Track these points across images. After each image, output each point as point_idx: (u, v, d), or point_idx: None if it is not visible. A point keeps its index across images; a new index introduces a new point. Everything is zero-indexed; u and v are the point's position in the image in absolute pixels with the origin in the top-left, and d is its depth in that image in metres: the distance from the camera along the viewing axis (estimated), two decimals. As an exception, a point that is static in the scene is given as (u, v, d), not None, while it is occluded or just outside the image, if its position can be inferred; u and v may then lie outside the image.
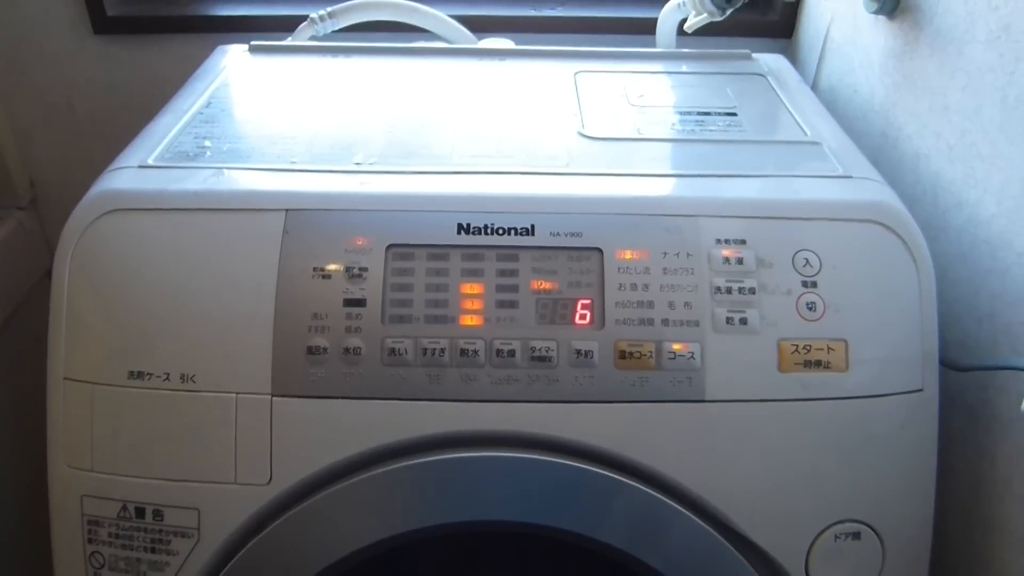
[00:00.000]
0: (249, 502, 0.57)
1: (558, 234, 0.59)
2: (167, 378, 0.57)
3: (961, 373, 0.64)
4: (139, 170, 0.62)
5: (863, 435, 0.58)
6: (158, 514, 0.58)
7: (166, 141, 0.66)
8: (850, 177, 0.64)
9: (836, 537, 0.59)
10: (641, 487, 0.58)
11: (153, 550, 0.58)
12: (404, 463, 0.57)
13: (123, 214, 0.59)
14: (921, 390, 0.59)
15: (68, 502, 0.59)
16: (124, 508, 0.58)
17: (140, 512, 0.58)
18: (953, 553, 0.68)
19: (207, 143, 0.66)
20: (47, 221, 1.09)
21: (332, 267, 0.57)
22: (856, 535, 0.59)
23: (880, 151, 0.79)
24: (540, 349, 0.57)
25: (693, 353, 0.57)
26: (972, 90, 0.66)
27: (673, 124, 0.72)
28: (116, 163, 0.64)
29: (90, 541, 0.59)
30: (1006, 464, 0.61)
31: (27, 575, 0.94)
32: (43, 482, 0.60)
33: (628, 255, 0.58)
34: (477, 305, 0.58)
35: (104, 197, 0.60)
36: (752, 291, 0.58)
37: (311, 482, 0.57)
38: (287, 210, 0.59)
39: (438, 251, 0.58)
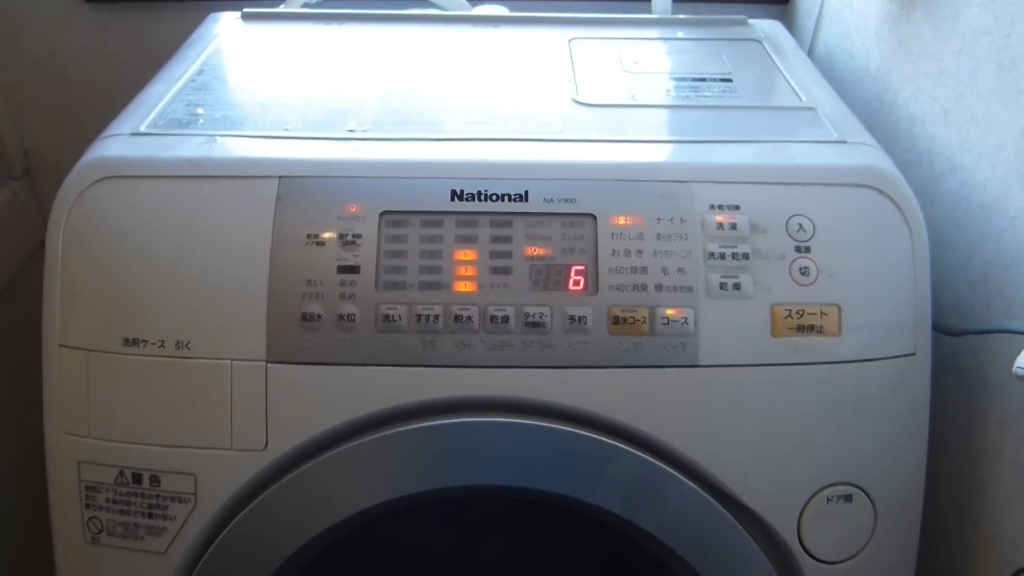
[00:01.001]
0: (245, 468, 0.57)
1: (552, 200, 0.59)
2: (162, 345, 0.57)
3: (954, 337, 0.64)
4: (131, 137, 0.62)
5: (856, 399, 0.59)
6: (155, 480, 0.58)
7: (158, 108, 0.66)
8: (845, 142, 0.64)
9: (828, 500, 0.59)
10: (635, 452, 0.58)
11: (150, 515, 0.58)
12: (399, 429, 0.57)
13: (116, 181, 0.59)
14: (914, 354, 0.59)
15: (65, 468, 0.59)
16: (121, 474, 0.58)
17: (137, 478, 0.58)
18: (944, 516, 0.68)
19: (200, 110, 0.66)
20: (41, 191, 1.08)
21: (326, 234, 0.57)
22: (848, 498, 0.60)
23: (876, 116, 0.79)
24: (534, 315, 0.57)
25: (686, 318, 0.57)
26: (967, 53, 0.65)
27: (668, 90, 0.72)
28: (108, 131, 0.64)
29: (88, 507, 0.59)
30: (997, 428, 0.62)
31: (26, 541, 0.95)
32: (41, 450, 0.60)
33: (622, 221, 0.58)
34: (471, 271, 0.58)
35: (96, 165, 0.59)
36: (746, 256, 0.58)
37: (307, 448, 0.57)
38: (280, 177, 0.59)
39: (432, 217, 0.58)
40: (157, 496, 0.58)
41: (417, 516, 0.64)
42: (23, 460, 0.91)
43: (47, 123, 1.10)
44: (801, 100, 0.70)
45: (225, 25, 0.84)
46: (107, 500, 0.59)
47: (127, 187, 0.59)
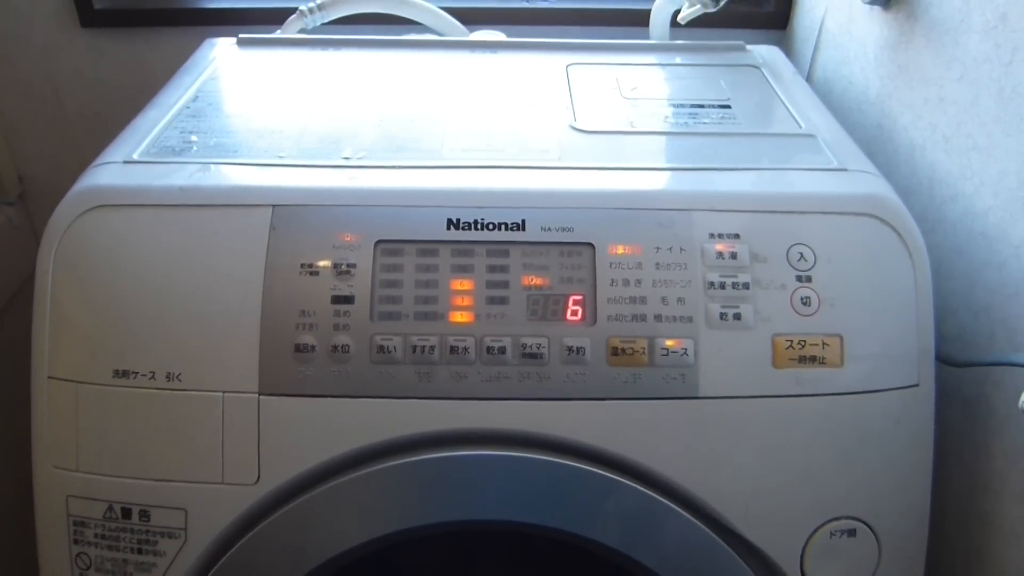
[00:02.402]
0: (237, 502, 0.56)
1: (549, 229, 0.58)
2: (153, 377, 0.56)
3: (957, 368, 0.63)
4: (124, 165, 0.61)
5: (858, 431, 0.58)
6: (144, 514, 0.57)
7: (152, 136, 0.66)
8: (845, 170, 0.63)
9: (831, 534, 0.58)
10: (634, 485, 0.57)
11: (140, 551, 0.57)
12: (394, 462, 0.56)
13: (107, 210, 0.58)
14: (917, 385, 0.58)
15: (53, 503, 0.58)
16: (110, 509, 0.57)
17: (126, 512, 0.57)
18: (949, 549, 0.67)
19: (193, 138, 0.66)
20: (36, 216, 1.08)
21: (320, 263, 0.57)
22: (852, 532, 0.59)
23: (875, 143, 0.78)
24: (531, 346, 0.56)
25: (686, 349, 0.56)
26: (968, 81, 0.65)
27: (666, 117, 0.71)
28: (101, 158, 0.63)
29: (76, 542, 0.58)
30: (1002, 460, 0.61)
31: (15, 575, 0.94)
32: (32, 482, 0.59)
33: (620, 250, 0.58)
34: (467, 302, 0.57)
35: (88, 193, 0.59)
36: (746, 286, 0.57)
37: (299, 482, 0.56)
38: (274, 206, 0.58)
39: (427, 247, 0.57)
40: (147, 531, 0.57)
41: (414, 548, 0.63)
42: (15, 492, 0.90)
43: (42, 148, 1.09)
44: (800, 127, 0.70)
45: (221, 51, 0.83)
46: (96, 535, 0.58)
47: (119, 216, 0.58)
